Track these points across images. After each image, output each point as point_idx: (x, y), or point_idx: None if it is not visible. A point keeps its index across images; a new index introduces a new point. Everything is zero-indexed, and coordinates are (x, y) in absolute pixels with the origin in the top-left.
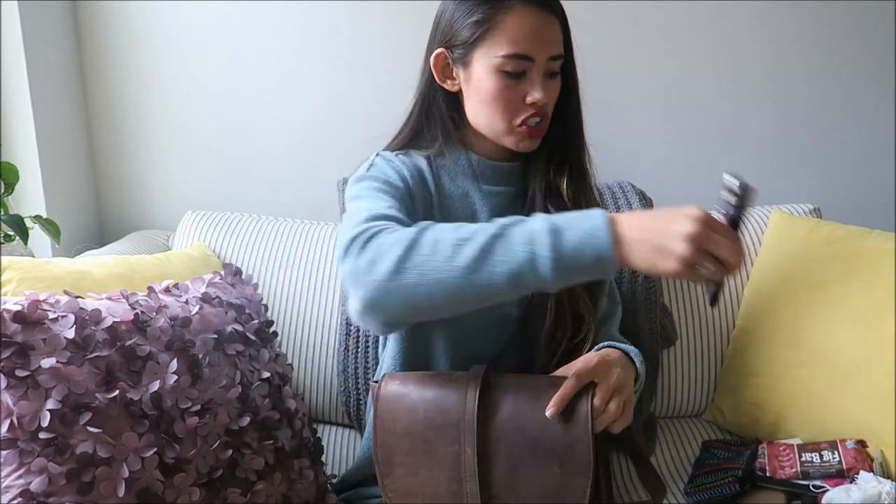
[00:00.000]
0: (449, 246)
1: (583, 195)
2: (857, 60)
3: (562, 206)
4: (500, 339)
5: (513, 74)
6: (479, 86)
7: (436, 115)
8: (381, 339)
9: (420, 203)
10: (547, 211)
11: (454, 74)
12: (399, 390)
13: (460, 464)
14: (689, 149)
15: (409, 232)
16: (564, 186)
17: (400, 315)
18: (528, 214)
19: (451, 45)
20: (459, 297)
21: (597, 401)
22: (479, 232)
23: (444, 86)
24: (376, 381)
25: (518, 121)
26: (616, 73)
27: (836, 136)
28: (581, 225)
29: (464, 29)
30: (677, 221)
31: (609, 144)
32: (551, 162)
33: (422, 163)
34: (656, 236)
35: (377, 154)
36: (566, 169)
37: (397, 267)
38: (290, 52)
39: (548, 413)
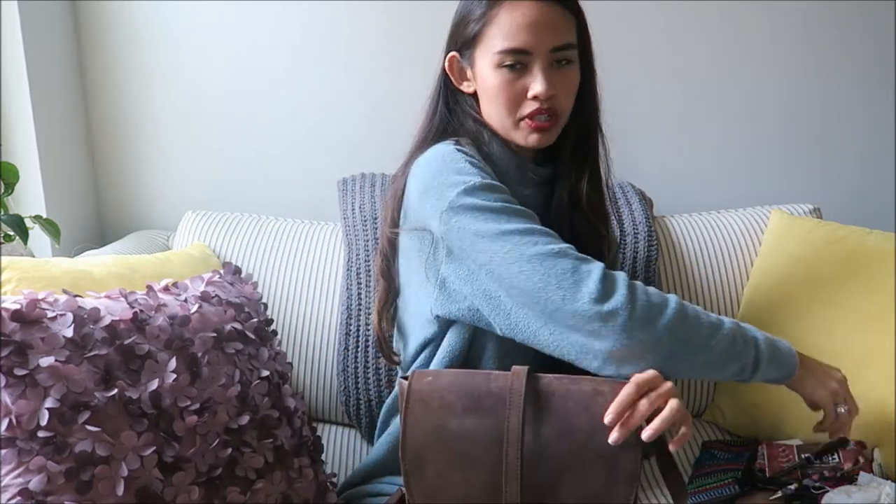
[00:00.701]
0: (707, 326)
1: (601, 205)
2: (857, 60)
3: (583, 222)
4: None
5: (513, 69)
6: (483, 84)
7: (461, 115)
8: (406, 353)
9: None
10: (572, 226)
11: (468, 76)
12: (432, 386)
13: (501, 465)
14: (689, 149)
15: (673, 296)
16: (585, 196)
17: (651, 362)
18: (553, 223)
19: (460, 48)
20: (695, 367)
21: (666, 413)
22: (724, 322)
23: (461, 88)
24: (405, 378)
25: (523, 114)
26: (616, 74)
27: (836, 136)
28: (783, 355)
29: (466, 28)
30: (833, 371)
31: (610, 144)
32: (574, 164)
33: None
34: (820, 374)
35: (441, 154)
36: (587, 173)
37: (675, 324)
38: (290, 53)
39: (607, 420)
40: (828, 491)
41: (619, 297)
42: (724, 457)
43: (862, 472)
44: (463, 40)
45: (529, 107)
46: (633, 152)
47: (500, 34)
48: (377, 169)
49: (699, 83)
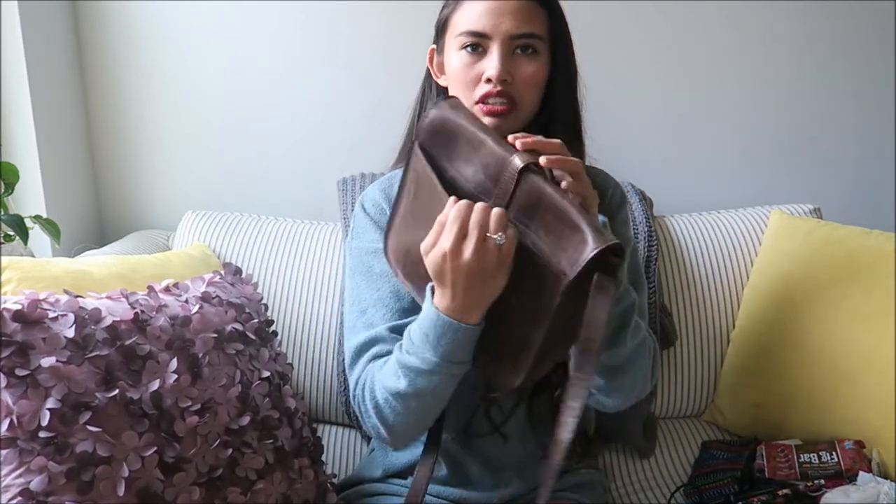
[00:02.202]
0: (402, 404)
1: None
2: (857, 60)
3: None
4: None
5: (473, 50)
6: (448, 69)
7: None
8: None
9: None
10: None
11: (443, 67)
12: None
13: None
14: (689, 149)
15: (377, 401)
16: None
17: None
18: None
19: (436, 38)
20: (434, 412)
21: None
22: (400, 383)
23: (439, 81)
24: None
25: (476, 98)
26: (618, 74)
27: (836, 137)
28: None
29: (440, 16)
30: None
31: (610, 144)
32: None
33: None
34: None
35: (367, 189)
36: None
37: (387, 431)
38: (290, 52)
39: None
40: (827, 491)
41: (356, 395)
42: (724, 456)
43: (861, 472)
44: (437, 28)
45: (483, 89)
46: (633, 152)
47: (464, 18)
48: (377, 169)
49: (699, 83)
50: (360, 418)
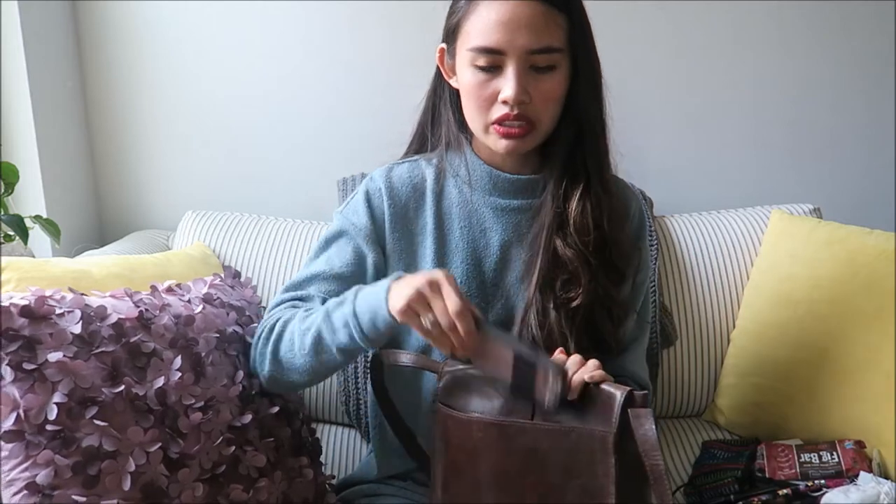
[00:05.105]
0: (298, 338)
1: (597, 216)
2: (857, 61)
3: (570, 246)
4: None
5: (486, 69)
6: (460, 82)
7: (442, 115)
8: None
9: (401, 224)
10: (551, 242)
11: (455, 70)
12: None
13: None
14: (689, 149)
15: (273, 332)
16: (573, 206)
17: (288, 389)
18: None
19: (446, 39)
20: (317, 373)
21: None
22: (314, 322)
23: (451, 82)
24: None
25: (492, 119)
26: (617, 74)
27: (836, 137)
28: (371, 300)
29: (451, 18)
30: (421, 276)
31: (609, 145)
32: (566, 175)
33: (428, 172)
34: (403, 285)
35: (377, 170)
36: (578, 190)
37: (271, 369)
38: (291, 52)
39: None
40: (827, 491)
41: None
42: (724, 456)
43: (861, 472)
44: (447, 31)
45: (499, 111)
46: (633, 152)
47: (476, 30)
48: None
49: (699, 83)
50: (252, 351)
